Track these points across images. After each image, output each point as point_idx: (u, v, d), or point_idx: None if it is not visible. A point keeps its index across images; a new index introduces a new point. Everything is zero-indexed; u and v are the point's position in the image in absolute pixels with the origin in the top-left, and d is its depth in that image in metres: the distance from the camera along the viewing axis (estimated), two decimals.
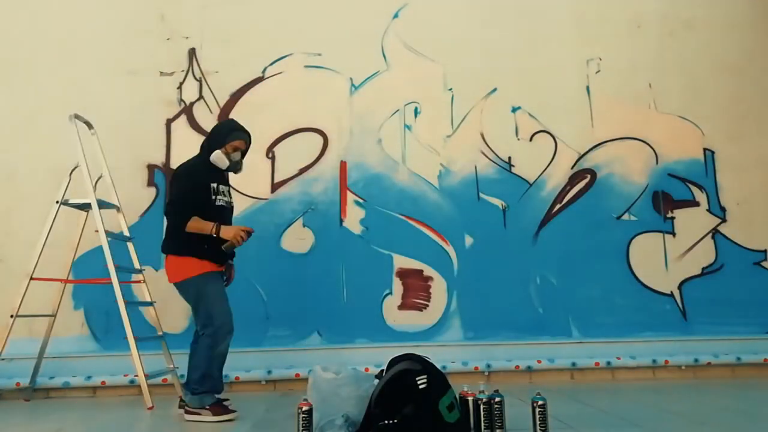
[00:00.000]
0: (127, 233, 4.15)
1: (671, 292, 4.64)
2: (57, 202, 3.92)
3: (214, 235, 3.26)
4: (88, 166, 3.94)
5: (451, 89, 4.83)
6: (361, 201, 4.63)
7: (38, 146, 4.53)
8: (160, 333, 4.09)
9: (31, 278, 3.86)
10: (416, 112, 4.77)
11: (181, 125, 4.65)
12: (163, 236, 3.47)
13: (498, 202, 4.67)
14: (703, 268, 4.70)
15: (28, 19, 4.70)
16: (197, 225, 3.27)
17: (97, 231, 3.83)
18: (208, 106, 4.69)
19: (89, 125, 4.17)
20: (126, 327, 3.70)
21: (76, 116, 4.03)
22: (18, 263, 4.36)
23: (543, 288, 4.61)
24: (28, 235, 4.40)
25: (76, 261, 4.30)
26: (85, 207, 4.06)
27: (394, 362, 2.81)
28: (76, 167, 3.98)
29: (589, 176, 4.76)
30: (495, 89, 4.83)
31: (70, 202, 3.99)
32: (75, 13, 4.73)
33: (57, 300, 4.13)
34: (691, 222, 4.75)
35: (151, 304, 4.11)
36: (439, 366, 2.86)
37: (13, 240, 4.42)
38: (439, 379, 2.72)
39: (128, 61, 4.69)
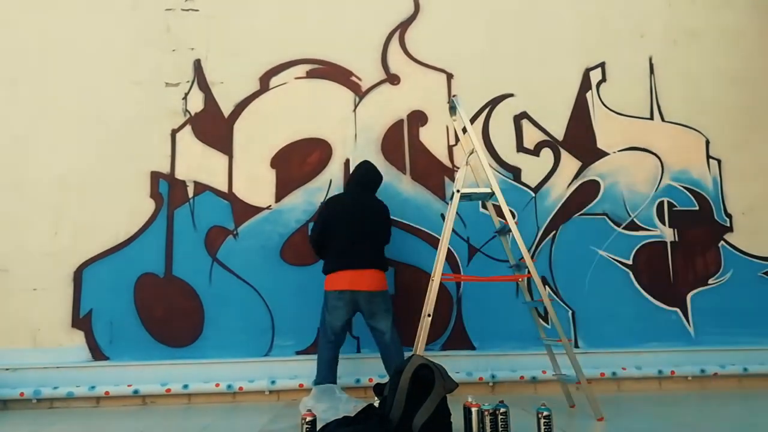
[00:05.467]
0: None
1: (677, 302, 4.62)
2: (456, 191, 3.72)
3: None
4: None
5: (455, 98, 4.83)
6: None
7: (45, 155, 4.56)
8: None
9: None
10: (420, 122, 4.78)
11: (185, 136, 4.67)
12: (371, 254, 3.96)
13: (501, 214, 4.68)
14: (709, 278, 4.69)
15: (36, 30, 4.74)
16: None
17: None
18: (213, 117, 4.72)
19: None
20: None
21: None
22: (24, 273, 4.38)
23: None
24: (35, 244, 4.43)
25: (86, 270, 4.36)
26: (476, 197, 3.97)
27: (399, 368, 2.81)
28: (471, 152, 3.82)
29: (593, 186, 4.76)
30: (499, 99, 4.84)
31: (464, 191, 3.73)
32: (82, 24, 4.77)
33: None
34: (697, 231, 4.73)
35: None
36: None
37: (20, 249, 4.43)
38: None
39: (134, 71, 4.72)
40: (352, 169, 4.65)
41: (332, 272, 3.96)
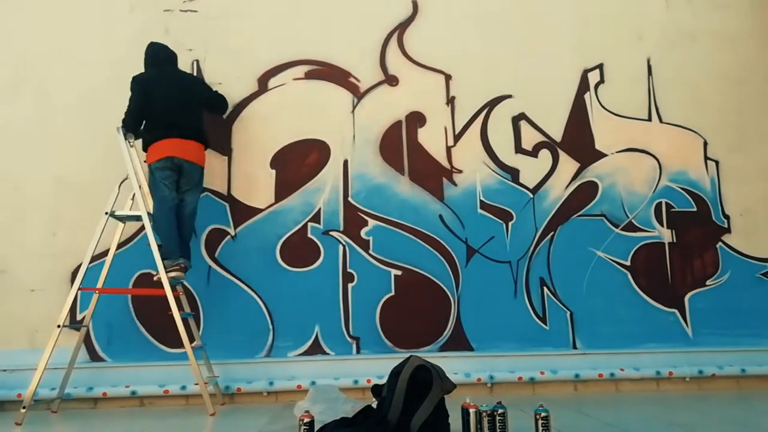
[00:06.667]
0: None
1: (675, 303, 4.62)
2: (106, 213, 3.99)
3: None
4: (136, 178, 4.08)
5: (453, 99, 4.84)
6: (362, 211, 4.63)
7: (44, 156, 4.55)
8: (199, 343, 4.16)
9: (79, 289, 3.93)
10: (418, 123, 4.79)
11: None
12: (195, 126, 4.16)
13: (499, 215, 4.68)
14: (707, 279, 4.69)
15: (35, 31, 4.74)
16: None
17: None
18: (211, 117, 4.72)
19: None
20: (183, 337, 3.80)
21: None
22: (22, 274, 4.38)
23: (546, 299, 4.59)
24: (33, 246, 4.43)
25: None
26: (127, 219, 4.15)
27: (397, 369, 2.81)
28: (125, 179, 4.11)
29: (591, 187, 4.76)
30: (497, 100, 4.85)
31: (118, 213, 4.06)
32: (81, 25, 4.77)
33: (90, 311, 4.15)
34: (695, 232, 4.74)
35: (191, 315, 4.21)
36: None
37: (18, 251, 4.42)
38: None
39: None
40: (350, 168, 4.67)
41: (157, 141, 3.99)
